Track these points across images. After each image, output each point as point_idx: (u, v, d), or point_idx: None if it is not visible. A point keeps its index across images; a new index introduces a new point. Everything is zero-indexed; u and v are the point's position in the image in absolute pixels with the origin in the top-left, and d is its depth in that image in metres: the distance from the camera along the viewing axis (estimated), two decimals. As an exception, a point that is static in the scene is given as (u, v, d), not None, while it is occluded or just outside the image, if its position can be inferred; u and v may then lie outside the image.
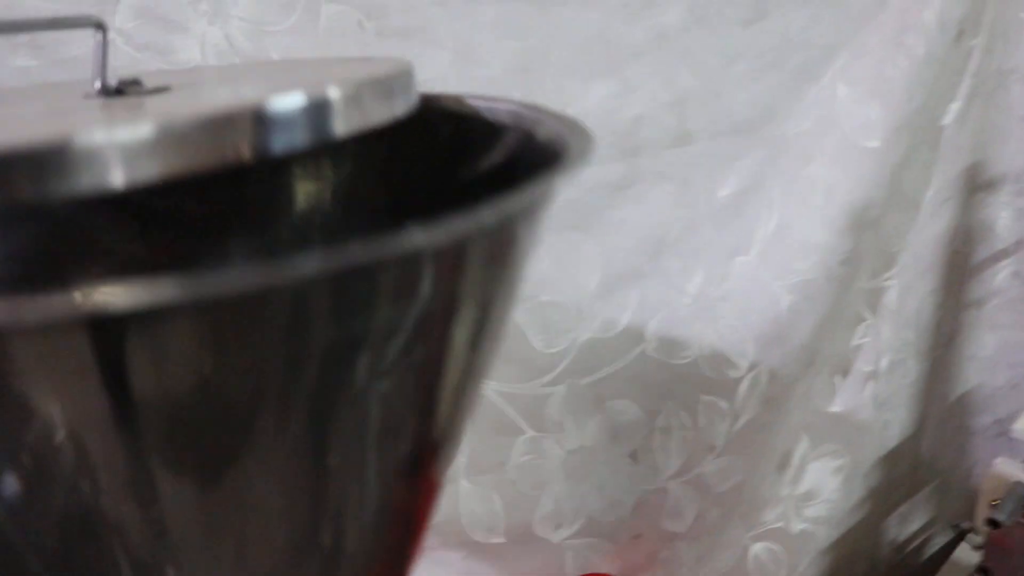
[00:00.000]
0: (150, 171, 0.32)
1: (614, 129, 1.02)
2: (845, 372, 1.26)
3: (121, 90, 0.48)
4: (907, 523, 1.51)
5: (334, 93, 0.39)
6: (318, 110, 0.38)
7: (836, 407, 1.29)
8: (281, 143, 0.37)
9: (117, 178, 0.32)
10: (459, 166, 0.54)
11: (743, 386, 1.17)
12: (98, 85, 0.48)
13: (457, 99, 0.54)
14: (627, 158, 1.04)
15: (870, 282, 1.22)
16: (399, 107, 0.44)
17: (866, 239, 1.16)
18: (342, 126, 0.40)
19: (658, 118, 1.04)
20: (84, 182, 0.31)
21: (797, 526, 1.34)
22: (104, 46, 0.48)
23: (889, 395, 1.30)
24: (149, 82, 0.48)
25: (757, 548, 1.33)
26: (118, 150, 0.32)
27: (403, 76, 0.45)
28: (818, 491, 1.34)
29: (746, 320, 1.15)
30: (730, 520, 1.28)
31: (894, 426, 1.36)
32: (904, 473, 1.44)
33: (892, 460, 1.40)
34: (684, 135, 1.06)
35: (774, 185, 1.12)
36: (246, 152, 0.35)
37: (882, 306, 1.24)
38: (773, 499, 1.32)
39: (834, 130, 1.12)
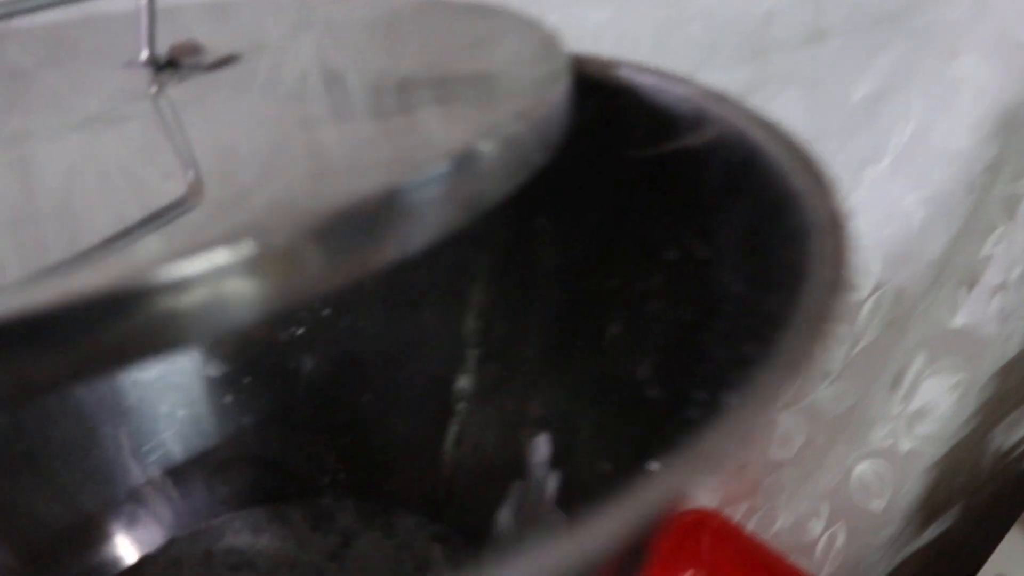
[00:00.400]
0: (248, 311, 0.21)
1: (740, 29, 0.89)
2: (971, 284, 1.15)
3: (175, 62, 0.36)
4: (1014, 430, 1.42)
5: (491, 145, 0.25)
6: (470, 175, 0.25)
7: (958, 322, 1.18)
8: (421, 236, 0.24)
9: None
10: (610, 154, 0.41)
11: (866, 309, 1.07)
12: (145, 55, 0.36)
13: (605, 65, 0.40)
14: (755, 60, 0.91)
15: (1009, 186, 1.09)
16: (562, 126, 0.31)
17: (1012, 142, 1.02)
18: (500, 189, 0.27)
19: (791, 13, 0.90)
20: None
21: (906, 445, 1.26)
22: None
23: (1016, 307, 1.19)
24: (202, 33, 0.36)
25: (861, 468, 1.25)
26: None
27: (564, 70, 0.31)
28: (931, 408, 1.25)
29: (875, 236, 1.03)
30: (836, 443, 1.20)
31: (1016, 338, 1.25)
32: (1017, 383, 1.34)
33: (1007, 371, 1.30)
34: (818, 32, 0.92)
35: (914, 86, 0.98)
36: (386, 256, 0.23)
37: (1019, 213, 1.11)
38: (882, 418, 1.23)
39: (988, 20, 0.97)
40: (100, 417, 0.46)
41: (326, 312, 0.50)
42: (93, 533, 0.46)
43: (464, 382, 0.50)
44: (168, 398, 0.49)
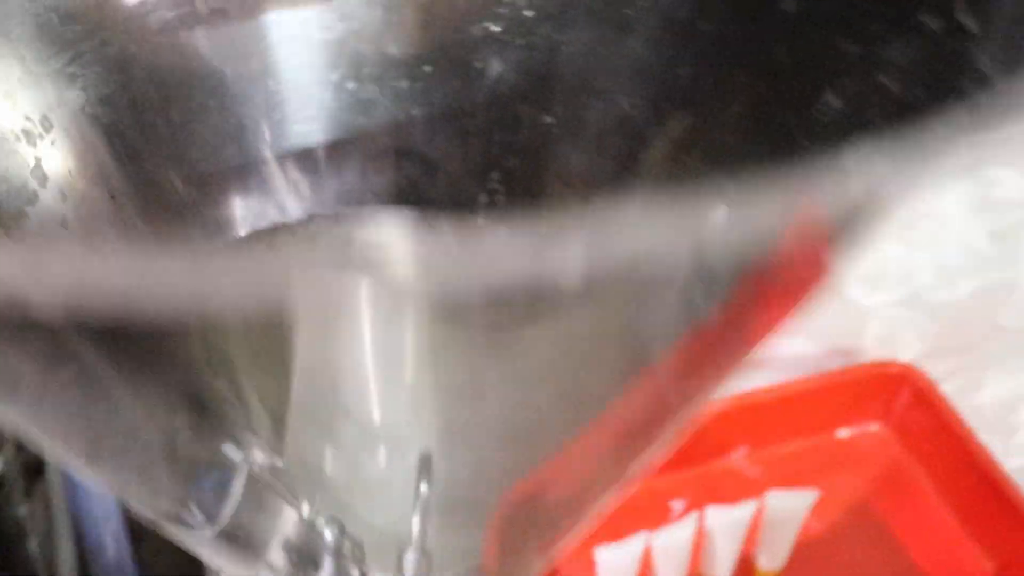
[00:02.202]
0: None
1: None
2: None
3: None
4: None
5: None
6: None
7: None
8: None
9: None
10: None
11: None
12: None
13: None
14: None
15: None
16: None
17: None
18: None
19: None
20: None
21: None
22: None
23: None
24: None
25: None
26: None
27: None
28: None
29: None
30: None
31: None
32: None
33: None
34: None
35: None
36: None
37: None
38: None
39: None
40: (258, 74, 0.43)
41: (528, 13, 0.45)
42: (228, 195, 0.44)
43: (655, 134, 0.44)
44: (341, 64, 0.45)
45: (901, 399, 0.93)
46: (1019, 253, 0.96)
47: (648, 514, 0.79)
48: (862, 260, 0.90)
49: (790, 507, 0.79)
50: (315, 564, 0.36)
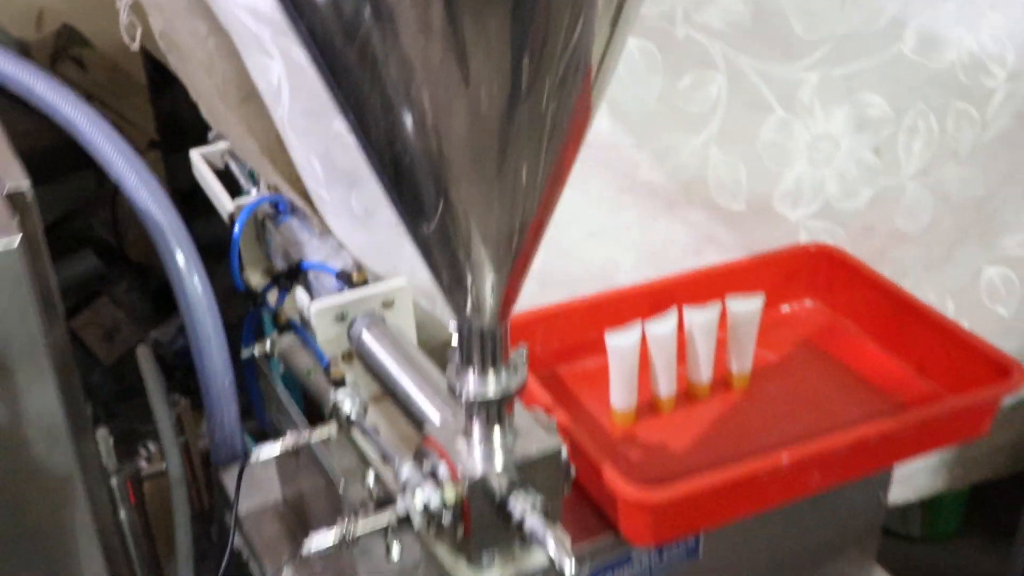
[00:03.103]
0: None
1: None
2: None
3: None
4: None
5: None
6: None
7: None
8: None
9: None
10: None
11: (997, 96, 1.23)
12: None
13: None
14: None
15: None
16: None
17: None
18: None
19: None
20: None
21: (1038, 255, 1.40)
22: None
23: None
24: None
25: (991, 272, 1.40)
26: None
27: None
28: (1068, 222, 1.38)
29: (1011, 27, 1.19)
30: (965, 238, 1.36)
31: None
32: None
33: None
34: None
35: None
36: None
37: None
38: (1015, 225, 1.38)
39: None
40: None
41: None
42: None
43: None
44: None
45: (830, 273, 1.22)
46: (898, 162, 1.26)
47: (643, 311, 1.06)
48: (782, 181, 1.27)
49: (746, 310, 1.06)
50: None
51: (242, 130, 1.24)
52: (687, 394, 1.08)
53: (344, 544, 0.76)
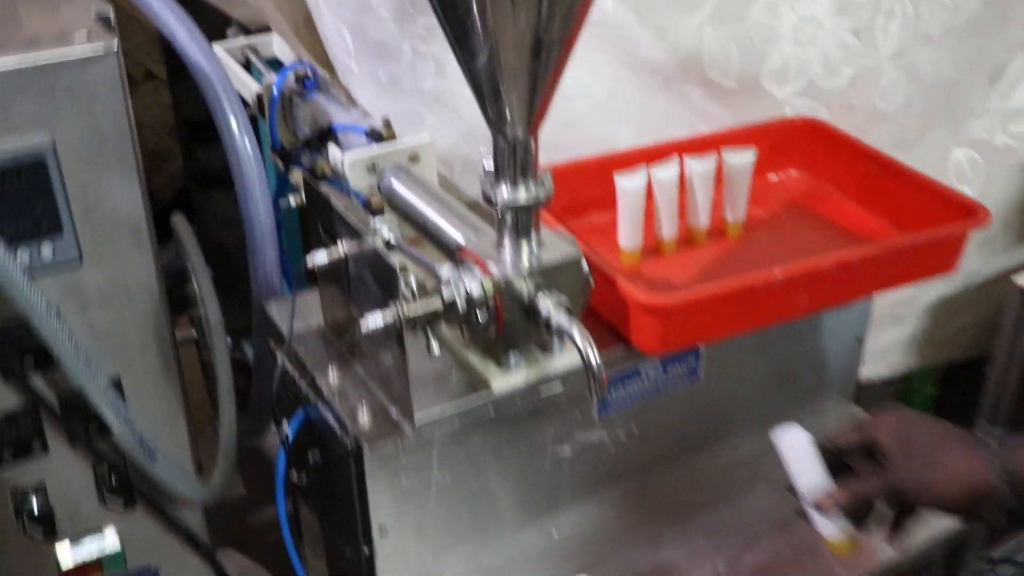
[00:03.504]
0: None
1: None
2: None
3: None
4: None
5: None
6: None
7: (1058, 30, 1.44)
8: None
9: None
10: None
11: (967, -18, 1.35)
12: None
13: None
14: None
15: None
16: None
17: None
18: None
19: None
20: None
21: (1000, 140, 1.52)
22: None
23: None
24: None
25: (959, 154, 1.53)
26: None
27: None
28: (1027, 109, 1.50)
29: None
30: (936, 120, 1.48)
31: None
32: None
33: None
34: None
35: None
36: None
37: None
38: (981, 111, 1.50)
39: None
40: None
41: None
42: None
43: None
44: None
45: (813, 144, 1.33)
46: (876, 44, 1.38)
47: (649, 160, 1.17)
48: (769, 60, 1.40)
49: (740, 161, 1.17)
50: None
51: (272, 7, 1.33)
52: (687, 240, 1.19)
53: (396, 324, 0.87)
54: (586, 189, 1.23)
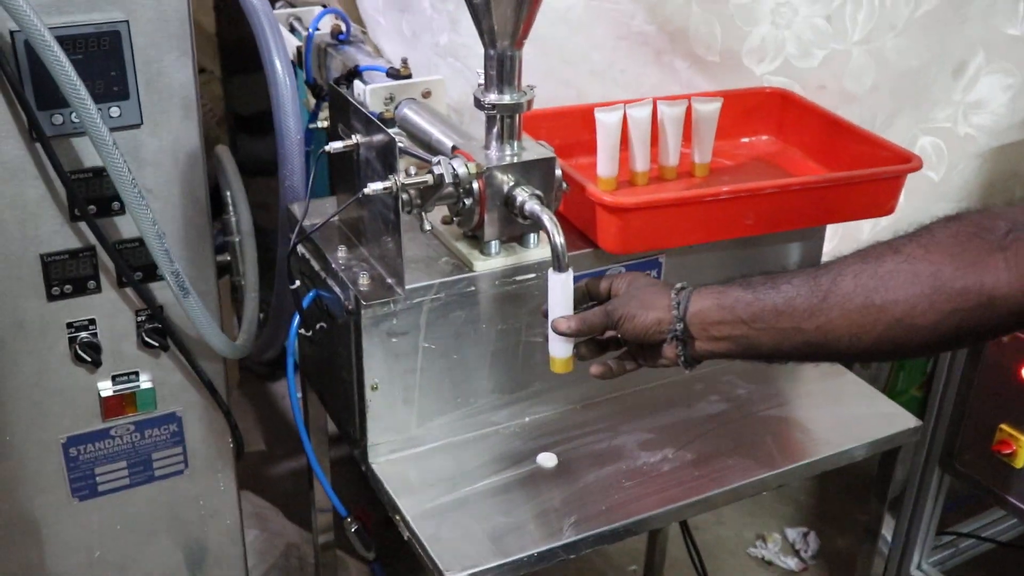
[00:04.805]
0: None
1: None
2: (1031, -2, 1.57)
3: None
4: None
5: None
6: None
7: (1014, 31, 1.61)
8: None
9: None
10: None
11: (925, -23, 1.53)
12: None
13: None
14: None
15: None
16: None
17: None
18: None
19: None
20: None
21: (963, 129, 1.69)
22: None
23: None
24: None
25: (924, 141, 1.69)
26: None
27: None
28: (986, 102, 1.67)
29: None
30: (902, 109, 1.65)
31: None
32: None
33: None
34: None
35: None
36: None
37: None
38: (944, 101, 1.67)
39: None
40: None
41: None
42: None
43: None
44: None
45: (783, 111, 1.51)
46: (845, 29, 1.55)
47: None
48: (749, 39, 1.64)
49: (708, 108, 1.35)
50: None
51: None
52: (658, 176, 1.37)
53: (392, 192, 1.05)
54: (574, 133, 1.41)
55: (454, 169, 1.10)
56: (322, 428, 1.46)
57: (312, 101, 1.59)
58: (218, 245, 1.45)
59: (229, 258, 1.49)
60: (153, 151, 1.12)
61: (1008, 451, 1.66)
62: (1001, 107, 1.67)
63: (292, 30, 1.85)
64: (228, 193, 1.46)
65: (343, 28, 1.55)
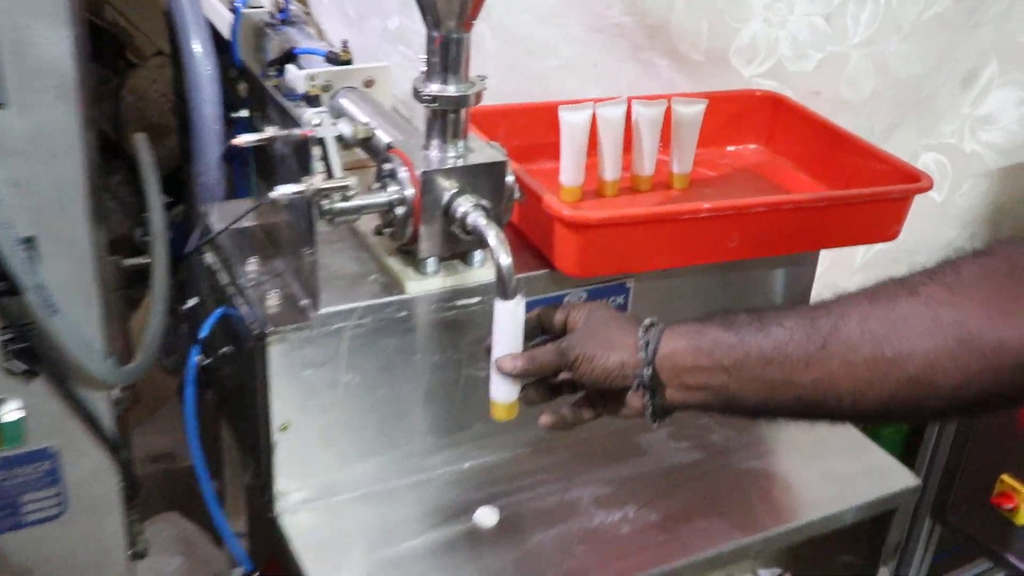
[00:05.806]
0: None
1: None
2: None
3: None
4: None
5: None
6: None
7: (1031, 39, 1.45)
8: None
9: None
10: None
11: (938, -21, 1.36)
12: None
13: None
14: None
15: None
16: None
17: None
18: None
19: None
20: None
21: (969, 146, 1.52)
22: None
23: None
24: None
25: (927, 158, 1.53)
26: None
27: None
28: (997, 117, 1.51)
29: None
30: (902, 120, 1.48)
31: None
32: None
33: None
34: None
35: None
36: None
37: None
38: (951, 114, 1.50)
39: None
40: None
41: None
42: None
43: None
44: None
45: (774, 118, 1.34)
46: (846, 30, 1.39)
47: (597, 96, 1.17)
48: (739, 37, 1.43)
49: (690, 111, 1.18)
50: None
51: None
52: (631, 187, 1.19)
53: (305, 194, 0.87)
54: (537, 134, 1.23)
55: (384, 172, 0.91)
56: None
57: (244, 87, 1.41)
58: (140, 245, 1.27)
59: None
60: (19, 137, 0.93)
61: (1009, 506, 1.49)
62: (1013, 123, 1.51)
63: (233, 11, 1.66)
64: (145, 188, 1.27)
65: (282, 4, 1.36)
